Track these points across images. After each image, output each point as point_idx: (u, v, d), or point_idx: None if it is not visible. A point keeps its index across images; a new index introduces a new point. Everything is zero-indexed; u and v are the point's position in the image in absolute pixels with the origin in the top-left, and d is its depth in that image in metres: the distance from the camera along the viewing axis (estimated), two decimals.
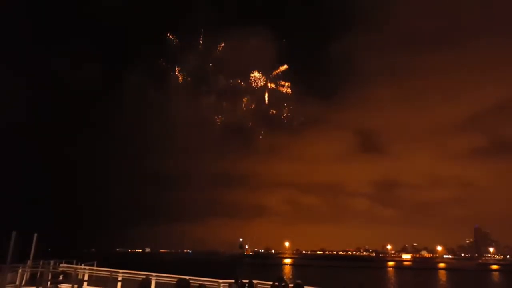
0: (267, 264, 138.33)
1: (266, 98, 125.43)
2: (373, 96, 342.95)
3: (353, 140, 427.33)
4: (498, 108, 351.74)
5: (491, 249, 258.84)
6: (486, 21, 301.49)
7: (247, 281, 15.46)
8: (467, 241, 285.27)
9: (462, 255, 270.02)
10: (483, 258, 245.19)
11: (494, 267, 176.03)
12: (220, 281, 19.77)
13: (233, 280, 15.64)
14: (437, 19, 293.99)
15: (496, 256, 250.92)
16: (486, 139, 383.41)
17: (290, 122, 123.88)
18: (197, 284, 14.05)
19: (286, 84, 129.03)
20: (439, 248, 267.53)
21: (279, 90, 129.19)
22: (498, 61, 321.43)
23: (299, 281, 13.41)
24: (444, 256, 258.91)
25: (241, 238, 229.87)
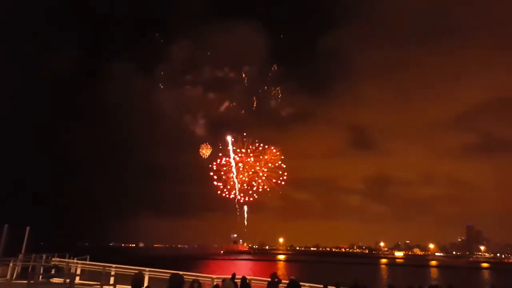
0: (262, 260, 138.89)
1: (255, 104, 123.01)
2: (363, 92, 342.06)
3: (345, 135, 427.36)
4: (489, 105, 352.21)
5: (483, 247, 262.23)
6: (476, 19, 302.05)
7: (240, 277, 15.41)
8: (459, 239, 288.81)
9: (454, 253, 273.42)
10: (475, 256, 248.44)
11: (485, 265, 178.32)
12: (214, 276, 19.77)
13: (226, 276, 15.58)
14: (426, 16, 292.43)
15: (487, 254, 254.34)
16: (477, 137, 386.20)
17: (278, 113, 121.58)
18: (191, 279, 13.94)
19: (277, 89, 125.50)
20: (431, 245, 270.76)
21: (269, 94, 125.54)
22: (488, 59, 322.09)
23: (293, 277, 13.40)
24: (436, 253, 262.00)
25: (234, 233, 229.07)
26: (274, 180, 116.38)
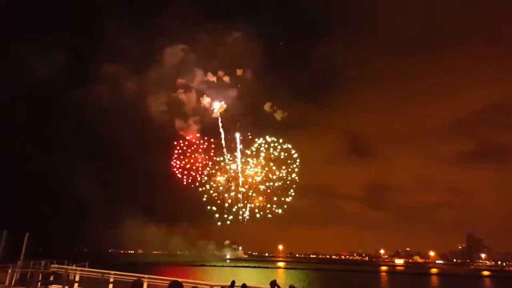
0: (261, 267, 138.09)
1: (250, 111, 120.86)
2: (360, 99, 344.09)
3: (342, 142, 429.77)
4: (485, 112, 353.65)
5: (483, 255, 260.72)
6: (471, 26, 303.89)
7: (239, 284, 15.37)
8: (460, 247, 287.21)
9: (454, 260, 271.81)
10: (475, 264, 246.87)
11: (486, 273, 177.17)
12: (213, 283, 19.68)
13: (224, 284, 15.54)
14: (421, 24, 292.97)
15: (488, 262, 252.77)
16: (473, 143, 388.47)
17: (274, 121, 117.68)
18: (190, 287, 13.98)
19: (272, 99, 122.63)
20: (432, 253, 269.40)
21: (265, 102, 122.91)
22: (484, 65, 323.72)
23: (292, 285, 13.40)
24: (437, 261, 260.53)
25: (227, 240, 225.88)
26: (275, 198, 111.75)
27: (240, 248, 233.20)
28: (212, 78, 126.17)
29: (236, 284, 15.33)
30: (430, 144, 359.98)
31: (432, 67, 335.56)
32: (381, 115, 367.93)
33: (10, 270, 21.44)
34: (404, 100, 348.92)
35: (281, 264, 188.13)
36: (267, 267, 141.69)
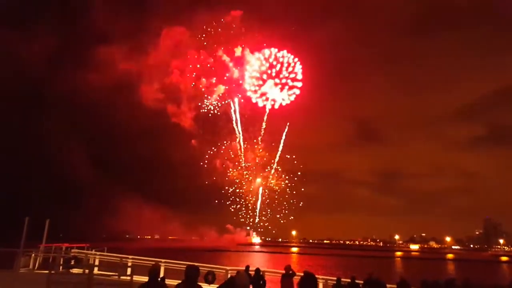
0: (275, 253, 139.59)
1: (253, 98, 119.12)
2: (367, 84, 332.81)
3: (351, 128, 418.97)
4: (496, 96, 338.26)
5: (501, 241, 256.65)
6: (478, 7, 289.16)
7: (254, 268, 15.52)
8: (477, 232, 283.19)
9: (471, 246, 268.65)
10: (493, 249, 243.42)
11: (504, 258, 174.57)
12: (228, 268, 19.99)
13: (240, 268, 15.71)
14: (428, 5, 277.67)
15: (507, 248, 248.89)
16: (486, 128, 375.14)
17: (280, 106, 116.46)
18: (206, 271, 14.22)
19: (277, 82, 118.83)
20: (448, 238, 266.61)
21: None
22: (494, 47, 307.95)
23: (307, 270, 13.43)
24: (453, 247, 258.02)
25: (228, 224, 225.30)
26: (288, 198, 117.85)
27: (254, 233, 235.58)
28: (210, 59, 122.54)
29: (250, 269, 15.49)
30: (441, 129, 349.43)
31: (441, 50, 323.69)
32: (390, 101, 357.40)
33: (33, 255, 22.31)
34: (413, 84, 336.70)
35: (295, 249, 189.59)
36: (280, 253, 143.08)
